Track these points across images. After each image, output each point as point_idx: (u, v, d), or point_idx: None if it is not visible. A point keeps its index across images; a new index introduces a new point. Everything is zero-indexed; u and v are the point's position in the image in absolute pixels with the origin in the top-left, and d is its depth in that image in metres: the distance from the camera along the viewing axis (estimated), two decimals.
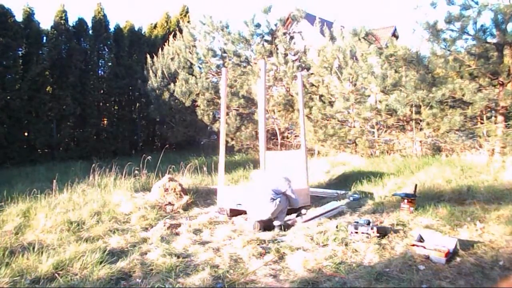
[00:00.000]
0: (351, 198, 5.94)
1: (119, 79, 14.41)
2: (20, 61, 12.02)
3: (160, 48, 13.84)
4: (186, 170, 7.55)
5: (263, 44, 11.28)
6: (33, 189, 5.87)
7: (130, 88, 15.24)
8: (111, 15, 40.48)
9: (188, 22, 14.43)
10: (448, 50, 7.81)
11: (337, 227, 4.46)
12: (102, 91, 14.61)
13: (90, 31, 13.97)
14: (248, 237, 4.32)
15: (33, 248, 3.81)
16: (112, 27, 14.67)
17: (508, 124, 7.70)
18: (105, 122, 14.82)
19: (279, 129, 11.59)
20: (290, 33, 11.84)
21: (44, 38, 12.75)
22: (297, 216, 5.20)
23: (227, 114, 10.80)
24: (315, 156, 10.49)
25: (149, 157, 7.14)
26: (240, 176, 8.14)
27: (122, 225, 4.98)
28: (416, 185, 5.26)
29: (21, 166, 10.79)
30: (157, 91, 12.93)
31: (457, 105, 8.13)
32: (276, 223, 4.77)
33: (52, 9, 19.84)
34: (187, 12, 17.38)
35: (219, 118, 10.59)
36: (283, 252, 3.83)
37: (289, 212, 5.03)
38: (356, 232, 4.12)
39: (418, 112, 8.84)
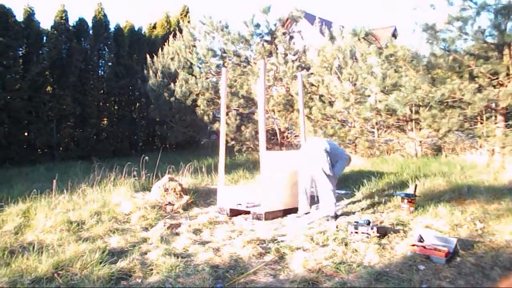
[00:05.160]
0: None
1: (119, 79, 14.38)
2: (20, 61, 11.98)
3: (160, 48, 13.82)
4: (186, 170, 7.54)
5: (262, 44, 11.28)
6: (33, 189, 5.86)
7: (130, 88, 15.22)
8: (111, 15, 40.42)
9: (188, 22, 14.42)
10: (448, 51, 7.82)
11: (337, 227, 4.47)
12: (102, 91, 14.58)
13: (91, 31, 13.93)
14: (248, 237, 4.33)
15: (33, 248, 3.81)
16: (112, 27, 14.64)
17: (508, 124, 7.70)
18: (105, 122, 14.79)
19: (279, 129, 11.59)
20: (289, 33, 11.82)
21: (45, 38, 12.69)
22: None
23: (227, 114, 10.79)
24: None
25: (149, 157, 7.14)
26: (240, 176, 8.13)
27: (122, 225, 4.98)
28: (416, 185, 5.26)
29: (21, 166, 10.76)
30: (157, 91, 12.92)
31: (457, 105, 8.13)
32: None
33: (52, 9, 19.85)
34: (187, 12, 17.36)
35: (219, 118, 10.57)
36: (283, 252, 3.84)
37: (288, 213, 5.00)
38: (356, 232, 4.13)
39: (418, 112, 8.84)
